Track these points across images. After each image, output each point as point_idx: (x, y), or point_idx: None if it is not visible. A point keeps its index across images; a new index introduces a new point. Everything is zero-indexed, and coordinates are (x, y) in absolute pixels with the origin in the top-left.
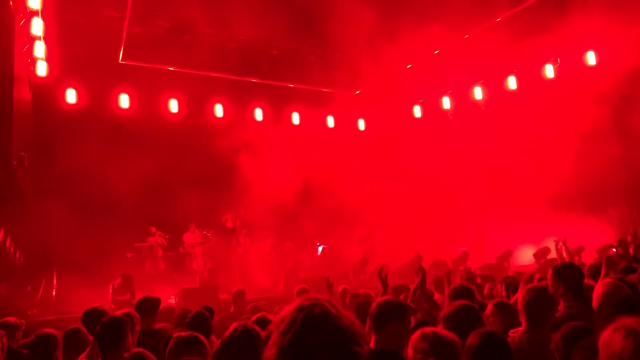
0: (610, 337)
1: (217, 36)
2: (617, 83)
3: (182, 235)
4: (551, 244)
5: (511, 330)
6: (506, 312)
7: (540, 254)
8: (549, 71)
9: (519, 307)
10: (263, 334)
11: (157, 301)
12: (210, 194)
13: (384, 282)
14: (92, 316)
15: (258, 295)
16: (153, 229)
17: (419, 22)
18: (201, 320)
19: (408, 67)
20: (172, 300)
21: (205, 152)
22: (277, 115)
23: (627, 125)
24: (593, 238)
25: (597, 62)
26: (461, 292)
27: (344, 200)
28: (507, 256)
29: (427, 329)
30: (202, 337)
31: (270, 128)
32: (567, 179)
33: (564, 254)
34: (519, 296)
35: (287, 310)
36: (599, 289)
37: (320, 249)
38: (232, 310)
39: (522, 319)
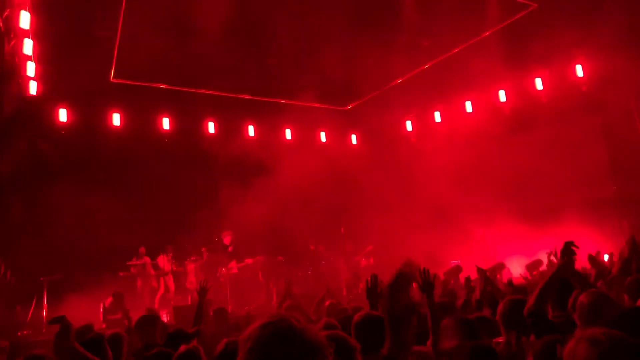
0: (575, 347)
1: (209, 54)
2: (605, 94)
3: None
4: (544, 257)
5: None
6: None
7: (533, 266)
8: (538, 84)
9: (497, 318)
10: None
11: (154, 318)
12: (201, 212)
13: (374, 297)
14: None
15: (251, 312)
16: (142, 250)
17: (409, 36)
18: (179, 337)
19: (399, 81)
20: (164, 318)
21: (198, 170)
22: (269, 131)
23: (617, 137)
24: (585, 250)
25: (584, 74)
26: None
27: (337, 216)
28: (499, 269)
29: None
30: (201, 350)
31: (263, 144)
32: (559, 190)
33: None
34: (499, 308)
35: (253, 326)
36: (583, 299)
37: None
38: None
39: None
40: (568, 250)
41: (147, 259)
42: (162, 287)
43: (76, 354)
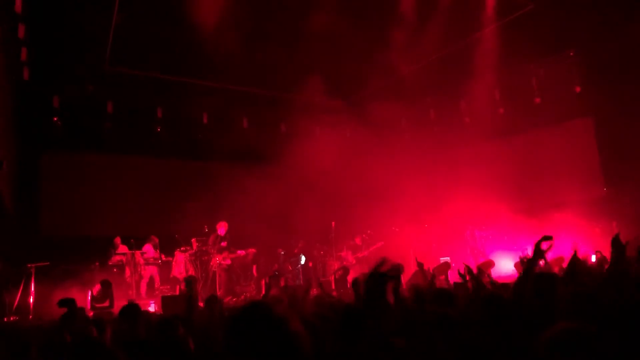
0: (551, 339)
1: (205, 44)
2: (598, 95)
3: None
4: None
5: None
6: None
7: (522, 265)
8: (532, 83)
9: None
10: None
11: (137, 307)
12: (192, 202)
13: (357, 293)
14: None
15: (241, 303)
16: (118, 240)
17: (405, 33)
18: (166, 326)
19: (395, 77)
20: (151, 308)
21: (190, 160)
22: (264, 123)
23: (609, 138)
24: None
25: (578, 75)
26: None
27: (332, 209)
28: (488, 266)
29: None
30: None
31: (257, 136)
32: (550, 190)
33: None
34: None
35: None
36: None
37: (302, 258)
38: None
39: None
40: (541, 244)
41: (124, 248)
42: (148, 276)
43: (84, 333)
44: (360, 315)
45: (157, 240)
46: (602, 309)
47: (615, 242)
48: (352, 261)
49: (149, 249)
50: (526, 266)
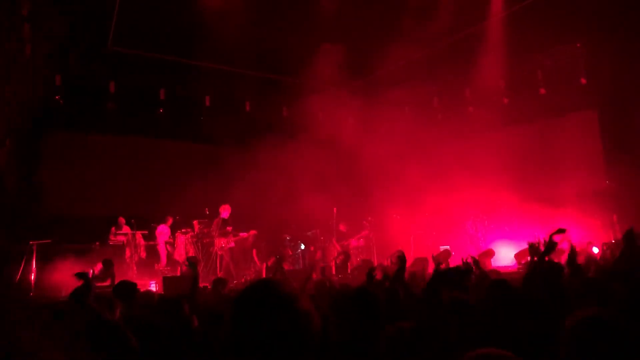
0: (576, 326)
1: (210, 26)
2: (604, 87)
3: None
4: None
5: None
6: None
7: (522, 255)
8: (538, 74)
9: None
10: None
11: (134, 285)
12: (194, 185)
13: (370, 278)
14: None
15: (240, 286)
16: (122, 220)
17: (410, 22)
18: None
19: (398, 65)
20: (152, 287)
21: (193, 142)
22: (266, 106)
23: (613, 130)
24: (576, 241)
25: (584, 66)
26: None
27: (334, 195)
28: (488, 256)
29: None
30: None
31: (260, 119)
32: (552, 181)
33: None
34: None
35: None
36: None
37: (301, 244)
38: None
39: None
40: (554, 237)
41: (127, 229)
42: (163, 256)
43: (94, 310)
44: (375, 300)
45: (171, 221)
46: (613, 297)
47: (628, 235)
48: (338, 249)
49: (166, 230)
50: (539, 257)
